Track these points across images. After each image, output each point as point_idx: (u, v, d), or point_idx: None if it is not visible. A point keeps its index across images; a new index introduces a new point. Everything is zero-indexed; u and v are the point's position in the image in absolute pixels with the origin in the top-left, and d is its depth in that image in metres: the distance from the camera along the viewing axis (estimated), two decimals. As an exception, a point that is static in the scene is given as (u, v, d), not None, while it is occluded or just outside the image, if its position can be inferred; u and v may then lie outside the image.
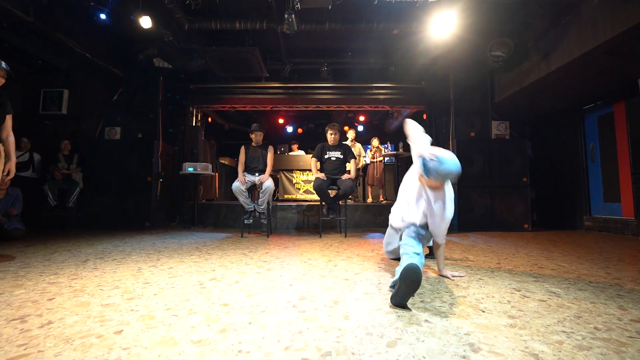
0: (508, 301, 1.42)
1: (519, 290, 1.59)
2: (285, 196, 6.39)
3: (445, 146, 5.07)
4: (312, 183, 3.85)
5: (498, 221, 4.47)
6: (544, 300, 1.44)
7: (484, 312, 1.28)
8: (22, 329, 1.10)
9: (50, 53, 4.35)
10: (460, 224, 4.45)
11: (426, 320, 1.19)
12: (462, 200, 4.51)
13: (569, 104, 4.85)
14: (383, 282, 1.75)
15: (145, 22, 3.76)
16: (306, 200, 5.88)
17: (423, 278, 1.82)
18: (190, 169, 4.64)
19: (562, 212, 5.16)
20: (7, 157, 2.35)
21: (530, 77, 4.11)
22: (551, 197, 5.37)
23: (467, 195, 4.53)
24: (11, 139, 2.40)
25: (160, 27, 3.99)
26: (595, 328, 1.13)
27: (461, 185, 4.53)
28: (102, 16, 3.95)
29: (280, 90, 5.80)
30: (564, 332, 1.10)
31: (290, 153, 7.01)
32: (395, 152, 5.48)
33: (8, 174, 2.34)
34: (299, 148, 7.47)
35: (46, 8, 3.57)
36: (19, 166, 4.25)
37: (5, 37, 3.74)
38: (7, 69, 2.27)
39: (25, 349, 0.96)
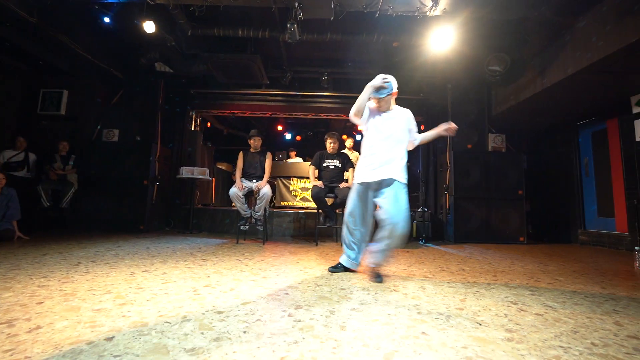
0: (505, 314, 1.42)
1: (515, 304, 1.59)
2: (282, 203, 6.36)
3: (442, 157, 5.11)
4: (310, 190, 3.84)
5: (494, 233, 4.48)
6: (540, 314, 1.43)
7: (481, 325, 1.28)
8: (9, 334, 1.07)
9: (52, 53, 4.36)
10: (456, 235, 4.46)
11: (423, 333, 1.18)
12: (459, 211, 4.52)
13: (564, 119, 4.94)
14: (380, 292, 1.74)
15: (149, 26, 3.79)
16: (303, 208, 5.86)
17: (418, 288, 1.82)
18: (188, 174, 4.61)
19: (556, 225, 5.18)
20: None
21: (526, 92, 4.18)
22: (546, 210, 5.41)
23: (464, 207, 4.54)
24: None
25: (164, 32, 4.02)
26: (592, 344, 1.13)
27: (457, 197, 4.56)
28: (106, 19, 3.98)
29: (280, 98, 5.83)
30: (561, 347, 1.09)
31: (288, 160, 7.01)
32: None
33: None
34: (297, 155, 7.48)
35: (50, 9, 3.59)
36: (14, 165, 4.21)
37: (7, 36, 3.74)
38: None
39: (11, 355, 0.93)
